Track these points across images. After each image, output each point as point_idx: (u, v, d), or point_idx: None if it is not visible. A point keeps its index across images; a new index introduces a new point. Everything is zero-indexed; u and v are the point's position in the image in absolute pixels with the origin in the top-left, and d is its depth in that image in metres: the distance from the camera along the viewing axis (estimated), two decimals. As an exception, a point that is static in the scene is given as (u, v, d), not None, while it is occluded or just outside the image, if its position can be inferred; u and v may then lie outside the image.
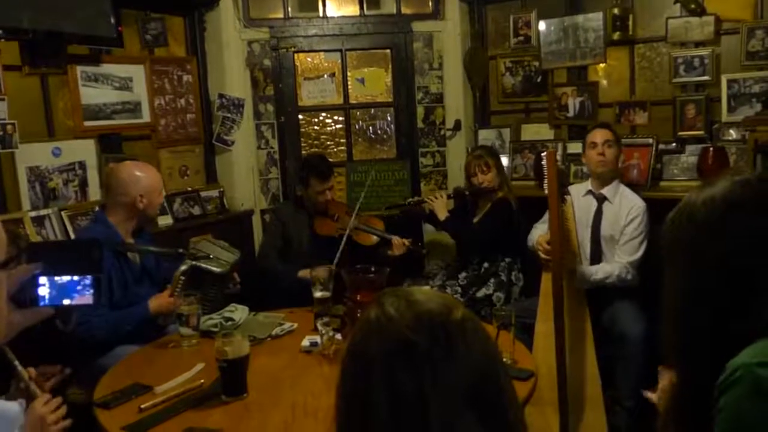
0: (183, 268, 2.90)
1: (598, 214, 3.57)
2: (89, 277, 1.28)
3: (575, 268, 3.24)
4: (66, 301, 1.28)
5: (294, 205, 4.08)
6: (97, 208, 3.53)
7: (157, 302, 2.87)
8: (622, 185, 3.62)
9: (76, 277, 1.28)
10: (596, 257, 3.53)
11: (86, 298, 1.29)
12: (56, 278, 1.27)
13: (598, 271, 3.39)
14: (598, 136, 3.58)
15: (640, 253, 3.43)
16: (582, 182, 3.78)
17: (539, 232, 3.55)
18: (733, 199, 1.15)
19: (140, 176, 3.00)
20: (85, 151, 3.70)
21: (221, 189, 4.48)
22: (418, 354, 0.92)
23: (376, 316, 0.99)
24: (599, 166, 3.57)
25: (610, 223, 3.52)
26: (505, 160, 4.43)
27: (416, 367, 0.92)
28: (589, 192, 3.62)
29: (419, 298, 0.99)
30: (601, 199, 3.58)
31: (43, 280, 1.27)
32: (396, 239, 3.87)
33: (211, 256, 3.01)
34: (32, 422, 1.76)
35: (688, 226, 1.18)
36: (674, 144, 4.10)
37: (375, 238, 3.94)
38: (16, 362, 1.83)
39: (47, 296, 1.27)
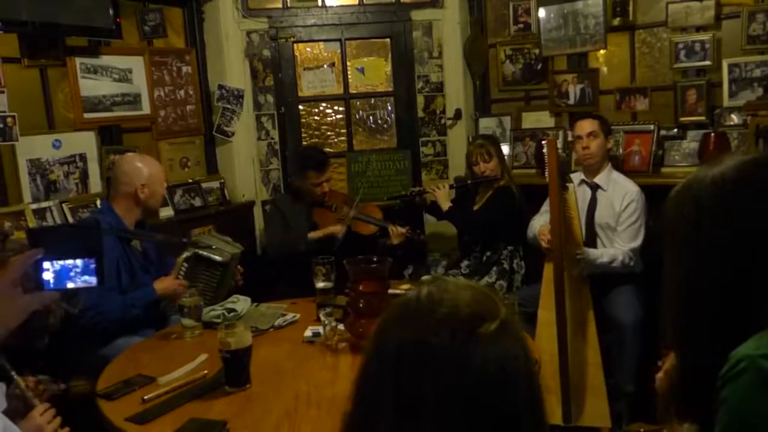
0: (185, 254, 2.97)
1: (593, 203, 3.57)
2: (92, 259, 1.29)
3: (577, 263, 3.23)
4: (70, 285, 1.29)
5: (292, 196, 4.08)
6: (98, 201, 3.55)
7: (163, 284, 2.91)
8: (615, 171, 3.62)
9: (79, 261, 1.28)
10: (592, 246, 3.51)
11: (90, 280, 1.29)
12: (59, 262, 1.28)
13: (603, 255, 3.39)
14: (582, 128, 3.58)
15: (639, 240, 3.44)
16: (576, 171, 3.77)
17: (538, 224, 3.55)
18: (742, 178, 1.11)
19: (142, 167, 3.04)
20: (85, 143, 3.70)
21: (222, 180, 4.48)
22: (431, 352, 0.89)
23: (407, 302, 0.96)
24: (585, 159, 3.58)
25: (606, 211, 3.52)
26: (505, 149, 4.42)
27: (424, 362, 0.89)
28: (583, 181, 3.62)
29: (454, 296, 0.94)
30: (595, 188, 3.59)
31: (46, 264, 1.27)
32: (393, 228, 3.86)
33: (213, 247, 3.04)
34: (31, 430, 1.76)
35: (693, 206, 1.14)
36: (675, 130, 4.09)
37: (374, 227, 3.94)
38: (13, 372, 1.83)
39: (51, 280, 1.28)
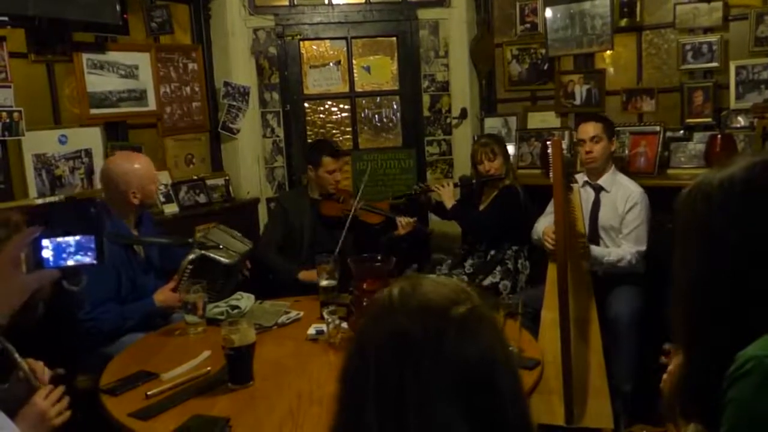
0: (191, 257, 2.91)
1: (596, 205, 3.56)
2: (91, 236, 1.28)
3: (582, 256, 3.23)
4: (70, 262, 1.28)
5: (297, 192, 4.07)
6: (98, 200, 3.54)
7: (163, 296, 2.90)
8: (618, 173, 3.60)
9: (78, 238, 1.28)
10: None
11: (89, 257, 1.29)
12: (58, 239, 1.27)
13: (611, 254, 3.38)
14: (585, 132, 3.55)
15: (645, 243, 3.42)
16: (580, 172, 3.75)
17: (542, 226, 3.54)
18: (754, 179, 1.10)
19: (128, 171, 2.98)
20: (91, 138, 3.70)
21: (227, 177, 4.48)
22: (407, 343, 0.91)
23: (382, 300, 0.98)
24: (588, 163, 3.57)
25: (609, 213, 3.51)
26: (511, 149, 4.41)
27: (402, 355, 0.91)
28: (586, 183, 3.61)
29: (426, 288, 0.97)
30: (598, 190, 3.57)
31: (45, 242, 1.27)
32: (402, 219, 3.83)
33: (220, 246, 2.99)
34: (33, 416, 1.75)
35: (704, 207, 1.13)
36: (682, 131, 4.07)
37: (380, 216, 3.92)
38: (16, 354, 1.83)
39: (51, 258, 1.27)
